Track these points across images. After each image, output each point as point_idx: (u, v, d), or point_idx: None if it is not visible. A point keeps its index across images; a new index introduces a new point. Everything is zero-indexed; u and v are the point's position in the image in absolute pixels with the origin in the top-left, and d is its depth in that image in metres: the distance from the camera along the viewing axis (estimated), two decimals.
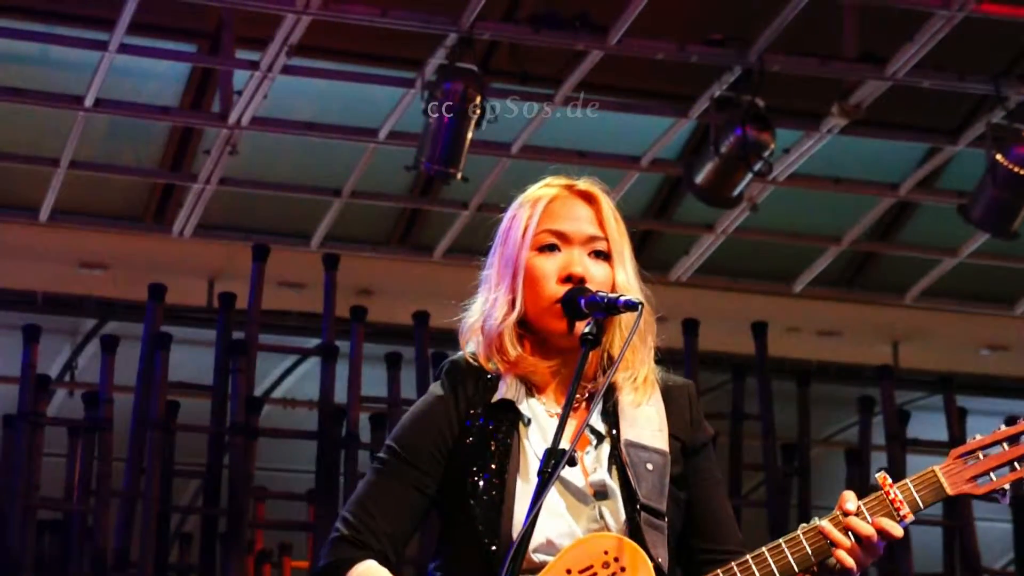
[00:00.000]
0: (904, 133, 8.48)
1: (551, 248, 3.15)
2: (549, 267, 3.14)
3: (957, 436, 9.03)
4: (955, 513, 9.13)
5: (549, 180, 3.25)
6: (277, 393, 10.07)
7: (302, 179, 8.78)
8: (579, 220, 3.18)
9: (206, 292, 9.23)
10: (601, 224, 3.18)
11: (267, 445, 8.81)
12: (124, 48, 7.50)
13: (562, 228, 3.16)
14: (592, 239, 3.16)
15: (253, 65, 7.65)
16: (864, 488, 9.04)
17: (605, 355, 3.16)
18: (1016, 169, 7.61)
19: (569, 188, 3.21)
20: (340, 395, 8.51)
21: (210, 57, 7.94)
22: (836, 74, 7.79)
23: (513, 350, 3.13)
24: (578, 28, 7.46)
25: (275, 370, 9.93)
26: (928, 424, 9.44)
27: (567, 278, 3.12)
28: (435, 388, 3.20)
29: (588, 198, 3.20)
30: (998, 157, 7.63)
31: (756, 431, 9.10)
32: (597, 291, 3.09)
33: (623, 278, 3.15)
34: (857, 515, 3.05)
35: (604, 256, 3.16)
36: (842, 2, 7.55)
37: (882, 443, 9.22)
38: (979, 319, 9.98)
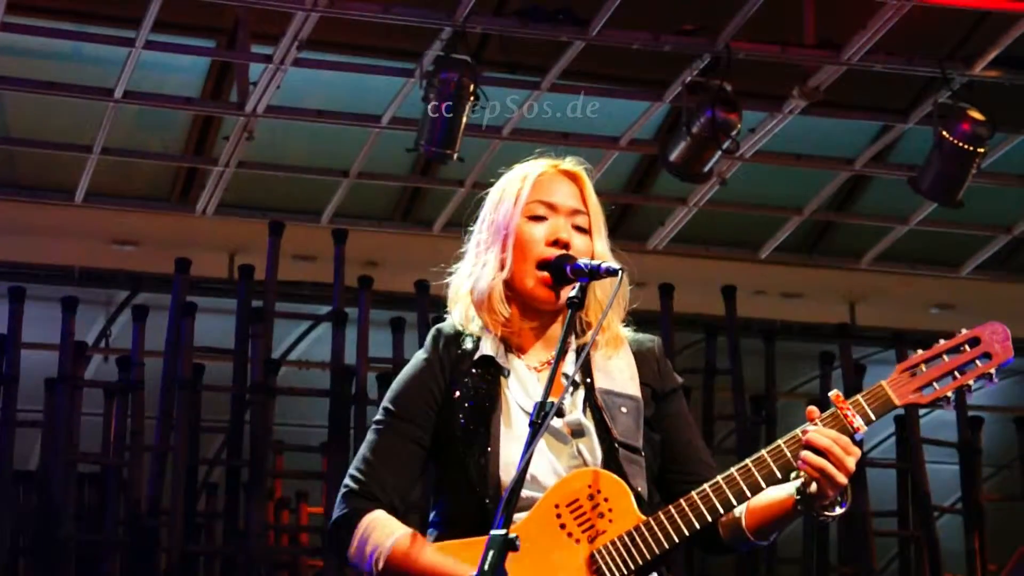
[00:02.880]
0: (858, 113, 8.45)
1: (540, 217, 3.17)
2: (538, 232, 3.16)
3: None
4: (907, 456, 9.16)
5: (535, 160, 3.27)
6: (293, 356, 10.05)
7: (313, 161, 8.75)
8: (566, 195, 3.20)
9: (227, 265, 9.20)
10: (584, 200, 3.21)
11: (284, 403, 8.82)
12: (149, 44, 7.46)
13: (550, 199, 3.19)
14: (575, 212, 3.19)
15: (267, 58, 7.62)
16: None
17: (580, 316, 3.18)
18: (960, 144, 7.59)
19: (556, 167, 3.24)
20: (350, 357, 8.51)
21: (227, 52, 7.90)
22: (796, 60, 7.76)
23: (502, 306, 3.15)
24: (561, 21, 7.42)
25: (290, 335, 9.90)
26: (882, 376, 9.38)
27: (554, 242, 3.14)
28: (422, 352, 3.22)
29: (572, 177, 3.23)
30: (944, 133, 7.60)
31: (727, 385, 9.11)
32: (580, 259, 3.10)
33: (601, 247, 3.19)
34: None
35: (584, 230, 3.19)
36: None
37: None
38: (928, 281, 9.98)
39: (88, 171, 8.47)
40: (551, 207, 3.17)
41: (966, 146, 7.56)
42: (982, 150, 7.60)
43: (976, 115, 7.55)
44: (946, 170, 7.70)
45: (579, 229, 3.18)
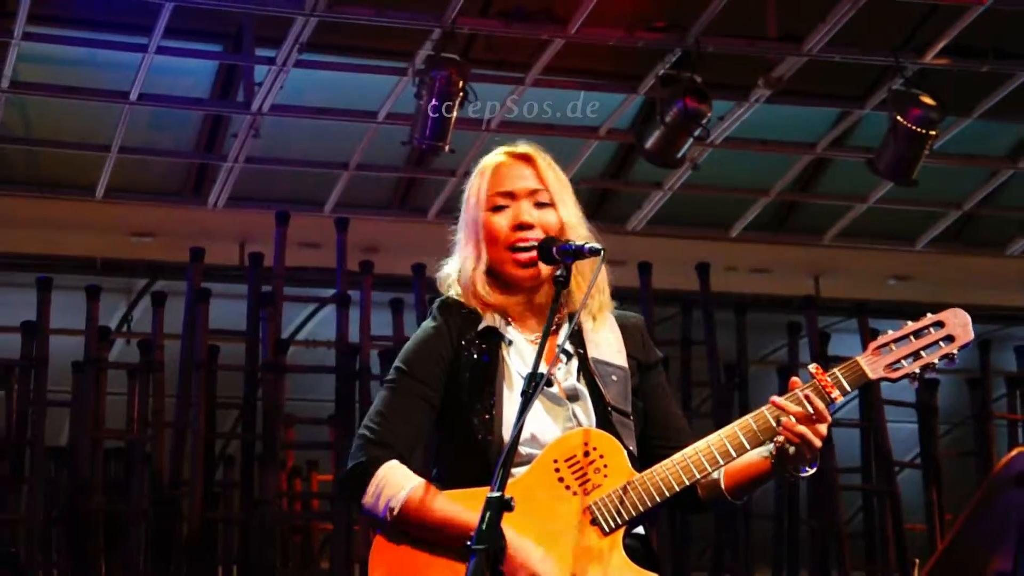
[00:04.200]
0: (819, 100, 8.45)
1: (502, 207, 3.22)
2: (502, 222, 3.21)
3: None
4: (870, 416, 9.19)
5: (496, 150, 3.31)
6: (300, 336, 10.06)
7: (315, 155, 8.75)
8: (521, 178, 3.24)
9: (238, 253, 9.19)
10: (540, 178, 3.24)
11: (293, 379, 8.81)
12: (161, 50, 7.46)
13: (507, 188, 3.24)
14: (534, 192, 3.23)
15: (270, 61, 7.62)
16: None
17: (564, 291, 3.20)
18: (913, 127, 7.60)
19: (510, 154, 3.28)
20: (353, 336, 8.51)
21: (234, 55, 7.90)
22: (761, 52, 7.77)
23: (486, 293, 3.21)
24: (542, 20, 7.42)
25: (298, 316, 9.91)
26: (846, 344, 9.47)
27: (518, 226, 3.19)
28: (430, 321, 3.26)
29: (526, 159, 3.26)
30: (898, 118, 7.61)
31: (702, 354, 9.12)
32: (567, 240, 3.15)
33: (567, 214, 3.23)
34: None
35: (547, 204, 3.22)
36: None
37: (808, 361, 9.26)
38: (886, 254, 9.99)
39: (107, 169, 8.47)
40: (510, 195, 3.22)
41: (919, 129, 7.58)
42: (934, 133, 7.61)
43: (927, 100, 7.57)
44: (901, 152, 7.72)
45: (541, 205, 3.22)
